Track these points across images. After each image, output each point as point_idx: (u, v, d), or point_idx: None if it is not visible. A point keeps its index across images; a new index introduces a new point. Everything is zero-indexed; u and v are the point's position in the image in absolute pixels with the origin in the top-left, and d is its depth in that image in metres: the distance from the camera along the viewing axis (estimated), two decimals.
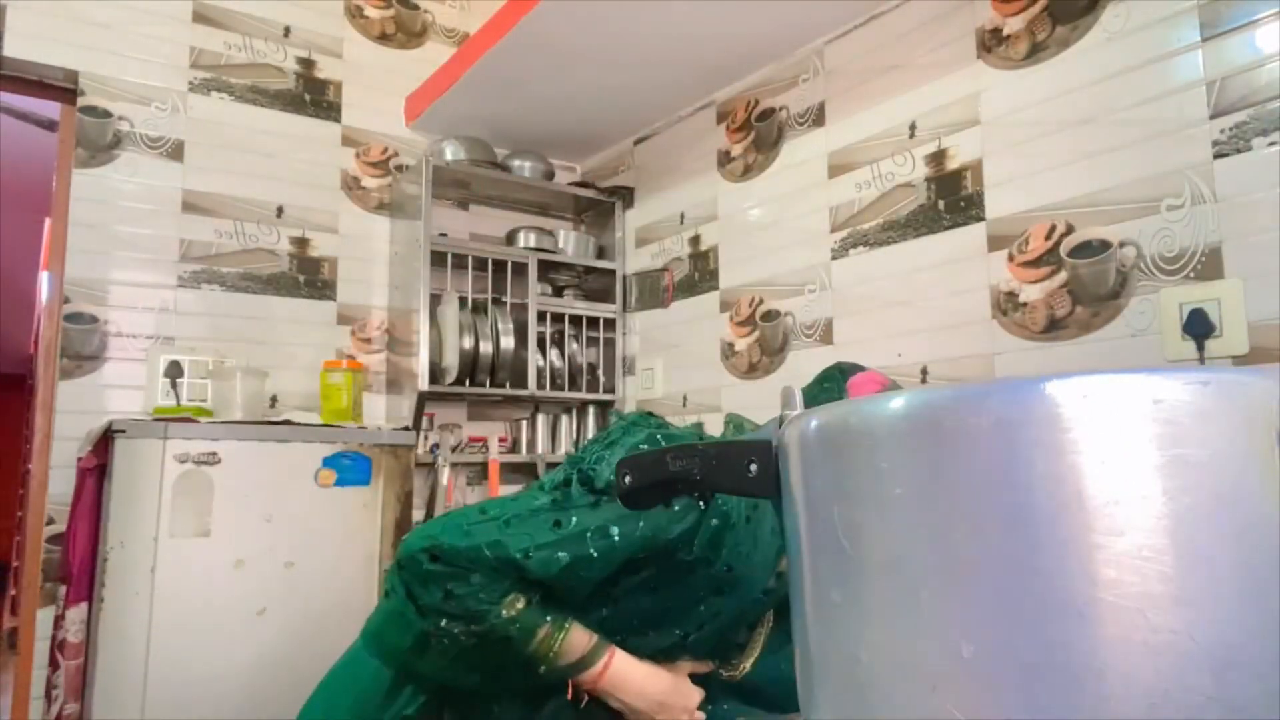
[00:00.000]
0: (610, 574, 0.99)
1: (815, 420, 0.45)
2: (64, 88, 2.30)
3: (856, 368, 1.19)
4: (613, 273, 2.82)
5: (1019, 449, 0.36)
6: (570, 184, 2.95)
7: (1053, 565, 0.35)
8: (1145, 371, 0.36)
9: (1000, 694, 0.35)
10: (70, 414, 2.18)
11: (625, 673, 1.01)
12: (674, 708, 1.03)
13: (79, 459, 2.01)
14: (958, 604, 0.37)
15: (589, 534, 0.96)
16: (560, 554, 0.95)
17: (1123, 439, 0.35)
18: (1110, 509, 0.34)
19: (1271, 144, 1.33)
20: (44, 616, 2.09)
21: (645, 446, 1.03)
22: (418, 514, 2.47)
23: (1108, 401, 0.35)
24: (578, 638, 0.99)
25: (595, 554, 0.96)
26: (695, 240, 2.53)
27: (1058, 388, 0.36)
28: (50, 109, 2.46)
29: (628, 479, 0.64)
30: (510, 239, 2.77)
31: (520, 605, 0.95)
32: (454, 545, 0.95)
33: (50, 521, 2.14)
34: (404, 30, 2.82)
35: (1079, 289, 1.57)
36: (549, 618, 0.97)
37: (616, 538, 0.96)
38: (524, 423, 2.79)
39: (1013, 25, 1.72)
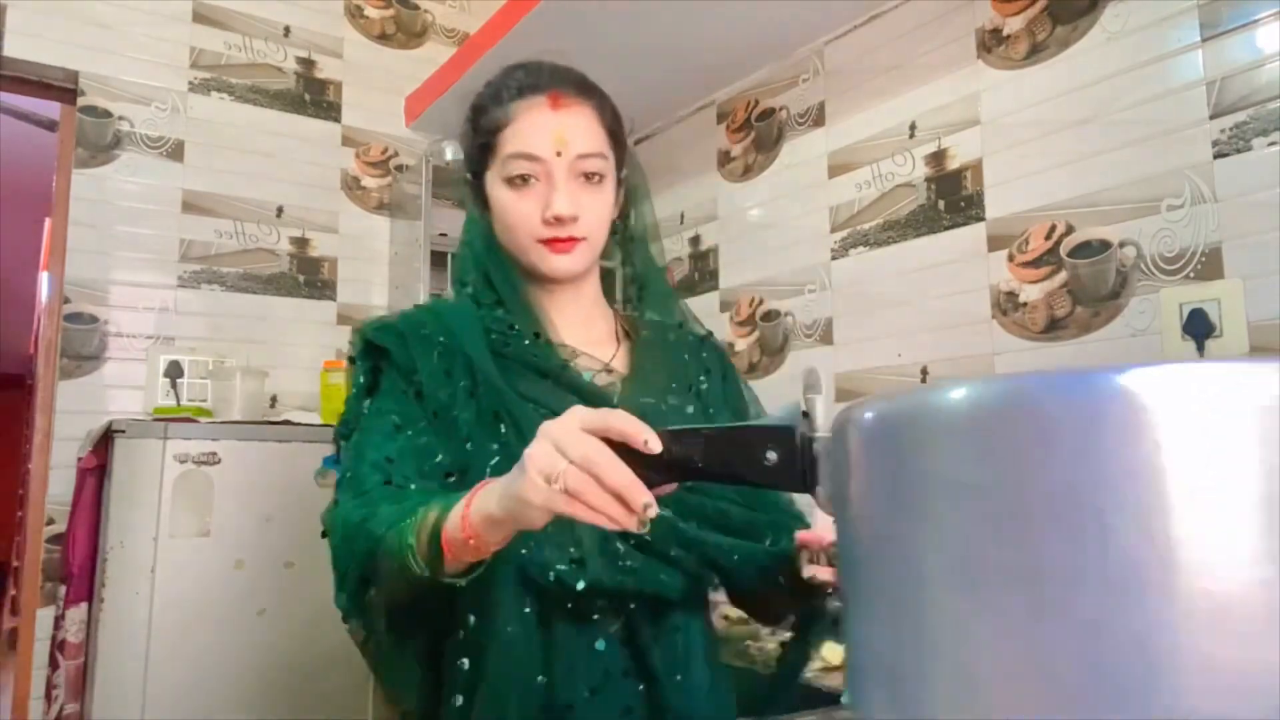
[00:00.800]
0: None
1: (871, 411, 0.42)
2: (64, 88, 2.30)
3: None
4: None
5: (1139, 440, 0.34)
6: None
7: (1150, 563, 0.33)
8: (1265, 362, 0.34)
9: (1164, 707, 0.32)
10: (70, 414, 2.18)
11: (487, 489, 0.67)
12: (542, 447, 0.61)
13: (79, 459, 2.01)
14: (1062, 607, 0.35)
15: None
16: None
17: (1229, 435, 0.33)
18: (1215, 509, 0.32)
19: (1271, 144, 1.33)
20: (44, 616, 2.09)
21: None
22: None
23: (1218, 393, 0.33)
24: (429, 512, 0.70)
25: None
26: (695, 240, 2.53)
27: (1163, 375, 0.34)
28: (50, 109, 2.46)
29: None
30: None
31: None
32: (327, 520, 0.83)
33: (50, 521, 2.14)
34: (404, 30, 2.82)
35: (1079, 289, 1.57)
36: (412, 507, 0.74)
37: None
38: None
39: (1013, 25, 1.72)
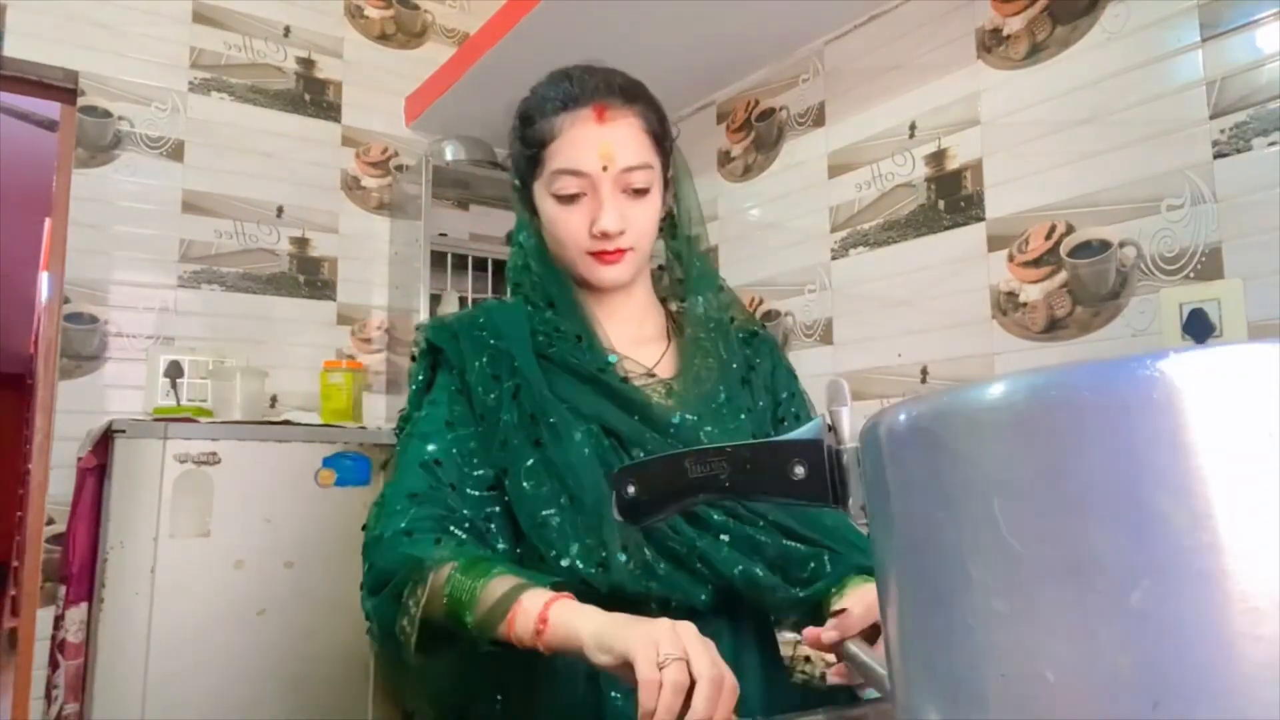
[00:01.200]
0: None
1: (903, 413, 0.41)
2: (64, 88, 2.30)
3: None
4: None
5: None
6: None
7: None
8: None
9: (1228, 703, 0.31)
10: (70, 414, 2.18)
11: (573, 611, 0.71)
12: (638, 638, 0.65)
13: (79, 459, 2.01)
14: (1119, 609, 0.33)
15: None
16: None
17: (1272, 416, 0.31)
18: (1262, 490, 0.31)
19: (1271, 144, 1.33)
20: (44, 616, 2.09)
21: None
22: None
23: (1261, 374, 0.32)
24: (498, 581, 0.73)
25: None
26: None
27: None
28: (50, 109, 2.46)
29: (631, 489, 0.56)
30: (510, 239, 2.76)
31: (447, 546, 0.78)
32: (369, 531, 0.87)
33: (50, 521, 2.14)
34: (404, 30, 2.82)
35: (1079, 289, 1.57)
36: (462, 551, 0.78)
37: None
38: None
39: (1013, 25, 1.72)
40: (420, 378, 0.93)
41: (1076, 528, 0.34)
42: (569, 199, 0.88)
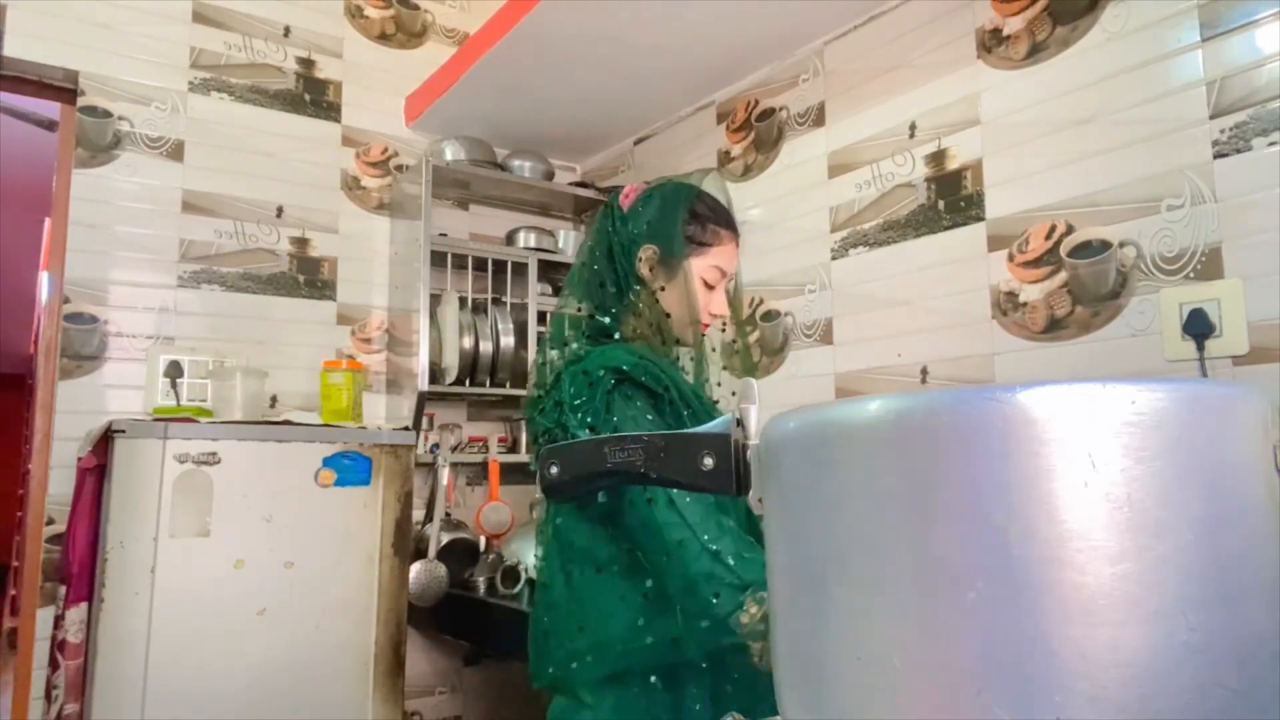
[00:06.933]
0: None
1: (794, 420, 0.46)
2: (64, 88, 2.30)
3: None
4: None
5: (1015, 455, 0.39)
6: (570, 184, 2.94)
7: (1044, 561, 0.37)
8: (1178, 382, 0.39)
9: (1039, 693, 0.36)
10: (70, 414, 2.18)
11: None
12: None
13: (79, 459, 2.01)
14: (965, 608, 0.38)
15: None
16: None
17: (1097, 446, 0.37)
18: (1086, 510, 0.36)
19: (1271, 144, 1.33)
20: (44, 616, 2.09)
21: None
22: (418, 514, 2.47)
23: (1088, 410, 0.37)
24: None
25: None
26: None
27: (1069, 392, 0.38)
28: (50, 109, 2.46)
29: (554, 469, 0.59)
30: (510, 239, 2.76)
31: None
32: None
33: (50, 521, 2.14)
34: (404, 30, 2.82)
35: (1079, 289, 1.57)
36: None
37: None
38: (524, 422, 2.79)
39: (1013, 25, 1.72)
40: (616, 399, 1.09)
41: (927, 534, 0.39)
42: (710, 286, 1.23)
